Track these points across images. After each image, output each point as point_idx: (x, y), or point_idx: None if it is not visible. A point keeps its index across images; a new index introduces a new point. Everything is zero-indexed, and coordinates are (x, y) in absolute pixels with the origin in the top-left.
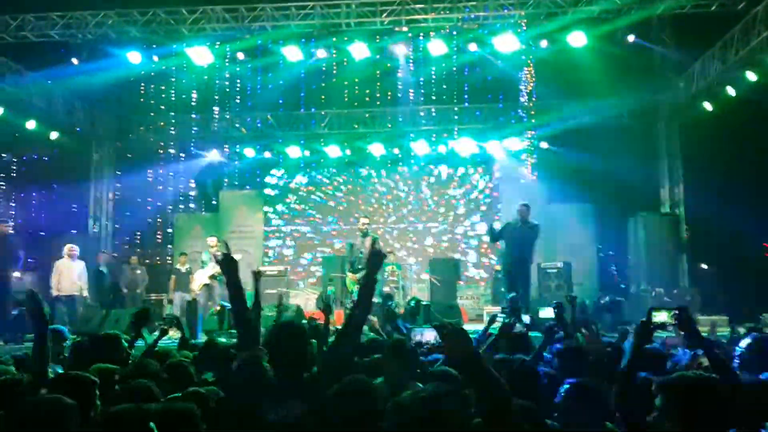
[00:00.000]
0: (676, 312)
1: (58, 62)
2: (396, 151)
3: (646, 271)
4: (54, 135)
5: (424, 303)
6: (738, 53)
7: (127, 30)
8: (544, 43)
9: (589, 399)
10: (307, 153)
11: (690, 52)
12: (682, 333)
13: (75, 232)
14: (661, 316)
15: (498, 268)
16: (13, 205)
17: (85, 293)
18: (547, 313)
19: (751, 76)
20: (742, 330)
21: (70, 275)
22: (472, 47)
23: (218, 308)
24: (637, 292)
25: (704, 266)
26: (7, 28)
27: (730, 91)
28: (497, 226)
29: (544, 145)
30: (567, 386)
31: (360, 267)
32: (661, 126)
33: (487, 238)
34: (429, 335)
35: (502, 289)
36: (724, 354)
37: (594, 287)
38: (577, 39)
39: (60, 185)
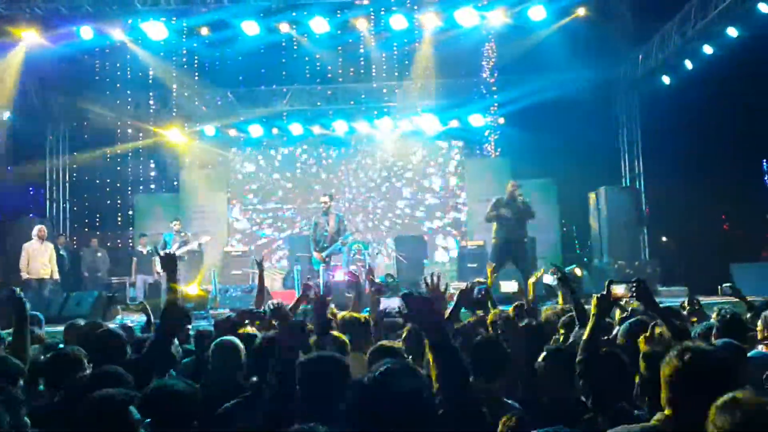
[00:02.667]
0: (634, 284)
1: (5, 38)
2: (360, 128)
3: (607, 244)
4: (5, 115)
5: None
6: (695, 26)
7: (78, 5)
8: (504, 17)
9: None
10: (270, 131)
11: (649, 26)
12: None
13: (32, 215)
14: (619, 289)
15: (466, 244)
16: None
17: (56, 276)
18: (509, 286)
19: (708, 49)
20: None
21: (41, 257)
22: (433, 21)
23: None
24: (599, 265)
25: (665, 239)
26: None
27: (688, 64)
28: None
29: (501, 121)
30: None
31: (325, 245)
32: (620, 100)
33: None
34: (393, 303)
35: (470, 265)
36: (683, 323)
37: (558, 261)
38: (538, 12)
39: (15, 168)
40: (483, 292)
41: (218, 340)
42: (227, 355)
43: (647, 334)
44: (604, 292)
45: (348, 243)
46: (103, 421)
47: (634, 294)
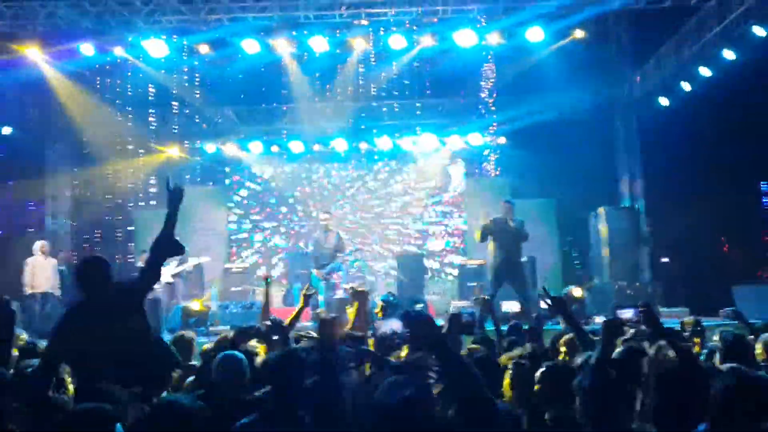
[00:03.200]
0: (641, 309)
1: (7, 54)
2: (359, 146)
3: (607, 264)
4: (6, 130)
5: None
6: (692, 48)
7: (78, 21)
8: (502, 38)
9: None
10: (270, 148)
11: (645, 48)
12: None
13: (32, 230)
14: (626, 313)
15: (465, 262)
16: None
17: (58, 291)
18: (510, 306)
19: (705, 71)
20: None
21: (44, 272)
22: (433, 42)
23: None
24: (600, 285)
25: (665, 260)
26: None
27: (685, 86)
28: (482, 222)
29: (501, 140)
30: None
31: (324, 263)
32: (618, 120)
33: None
34: (395, 325)
35: (470, 284)
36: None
37: (558, 281)
38: (535, 34)
39: (14, 183)
40: (472, 318)
41: (223, 354)
42: (232, 369)
43: (652, 355)
44: (612, 317)
45: (348, 261)
46: None
47: (642, 318)
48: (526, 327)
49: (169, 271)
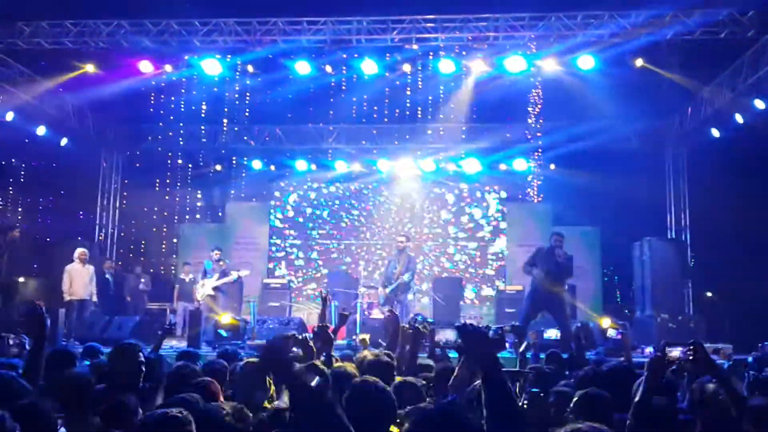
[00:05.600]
0: (690, 348)
1: (70, 69)
2: (403, 167)
3: (650, 296)
4: (64, 141)
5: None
6: (747, 80)
7: (139, 40)
8: (553, 65)
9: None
10: (314, 167)
11: (699, 78)
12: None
13: (81, 239)
14: (675, 351)
15: (504, 288)
16: (20, 210)
17: (95, 298)
18: (552, 333)
19: (760, 104)
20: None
21: (82, 279)
22: (481, 67)
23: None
24: (641, 317)
25: (709, 294)
26: (20, 35)
27: (738, 118)
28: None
29: (551, 167)
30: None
31: (389, 284)
32: (668, 151)
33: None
34: (448, 335)
35: (508, 310)
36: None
37: (597, 311)
38: (586, 62)
39: (68, 192)
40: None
41: (244, 362)
42: (251, 377)
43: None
44: (659, 353)
45: (410, 284)
46: None
47: (691, 357)
48: (565, 356)
49: (210, 284)
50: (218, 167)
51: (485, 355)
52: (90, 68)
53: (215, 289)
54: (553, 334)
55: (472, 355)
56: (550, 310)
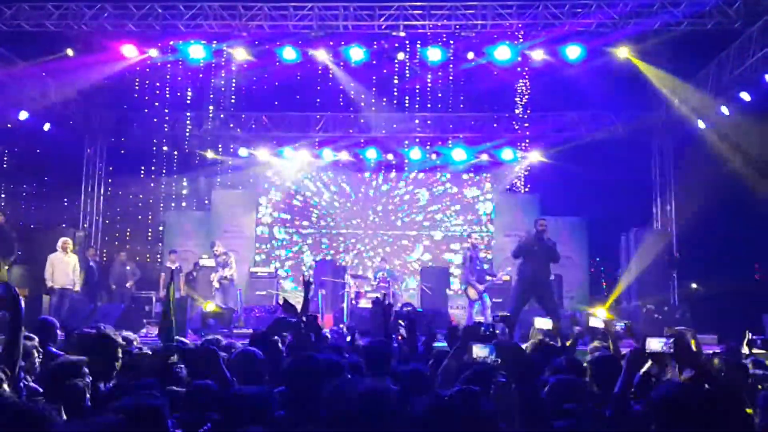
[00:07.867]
0: (671, 341)
1: (52, 53)
2: (390, 157)
3: (636, 287)
4: (47, 127)
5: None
6: (733, 72)
7: (123, 23)
8: (539, 54)
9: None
10: (301, 155)
11: (685, 70)
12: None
13: (65, 226)
14: (656, 344)
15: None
16: (3, 196)
17: (77, 287)
18: (543, 323)
19: (745, 96)
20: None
21: (64, 268)
22: (469, 56)
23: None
24: (627, 308)
25: (694, 285)
26: (1, 17)
27: (724, 110)
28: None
29: (537, 156)
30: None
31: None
32: (654, 142)
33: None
34: (483, 352)
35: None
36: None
37: (585, 301)
38: (574, 52)
39: (51, 178)
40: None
41: (241, 349)
42: (248, 364)
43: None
44: (638, 347)
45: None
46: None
47: (672, 350)
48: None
49: (216, 277)
50: (205, 154)
51: (522, 367)
52: (69, 52)
53: (221, 280)
54: (545, 324)
55: (510, 368)
56: (538, 298)
